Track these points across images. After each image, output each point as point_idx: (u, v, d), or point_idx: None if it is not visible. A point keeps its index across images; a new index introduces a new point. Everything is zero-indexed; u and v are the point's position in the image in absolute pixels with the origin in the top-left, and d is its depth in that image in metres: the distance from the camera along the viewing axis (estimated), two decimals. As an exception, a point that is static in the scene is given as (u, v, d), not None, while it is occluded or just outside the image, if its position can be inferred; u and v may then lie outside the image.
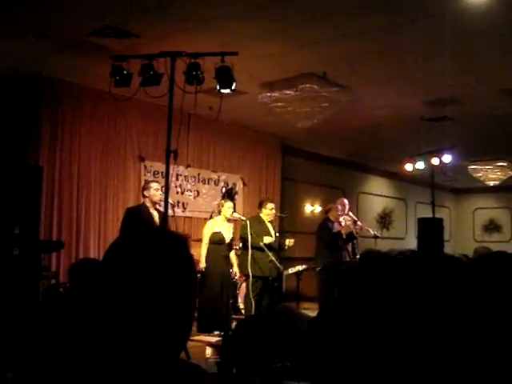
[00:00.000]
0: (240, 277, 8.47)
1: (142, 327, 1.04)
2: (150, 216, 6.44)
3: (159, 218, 6.32)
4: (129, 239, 1.13)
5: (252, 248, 7.49)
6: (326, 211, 9.04)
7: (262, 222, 7.92)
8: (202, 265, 7.43)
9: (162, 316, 1.05)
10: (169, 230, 1.18)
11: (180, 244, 1.13)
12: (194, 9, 5.46)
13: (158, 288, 1.05)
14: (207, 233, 7.66)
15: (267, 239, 7.61)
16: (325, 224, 8.61)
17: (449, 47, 6.17)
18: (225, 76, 5.58)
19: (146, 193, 6.53)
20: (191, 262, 1.14)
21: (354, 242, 8.67)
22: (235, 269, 8.16)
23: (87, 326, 2.20)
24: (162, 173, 8.96)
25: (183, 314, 1.08)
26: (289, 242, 7.93)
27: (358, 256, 8.06)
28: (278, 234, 8.13)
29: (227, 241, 7.69)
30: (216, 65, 5.52)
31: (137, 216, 6.36)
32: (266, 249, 7.47)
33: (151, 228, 1.18)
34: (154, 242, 1.10)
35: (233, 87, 5.70)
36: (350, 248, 8.52)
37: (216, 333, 7.24)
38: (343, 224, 8.52)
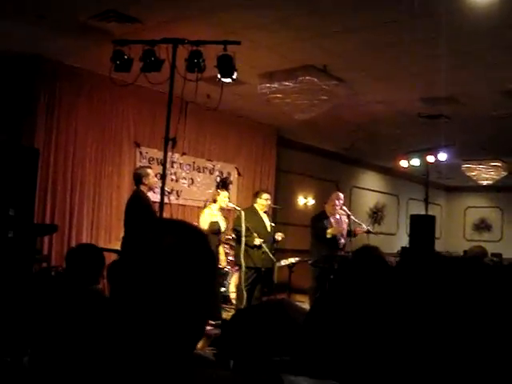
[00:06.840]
0: (232, 267, 8.46)
1: (160, 319, 1.03)
2: (151, 203, 6.44)
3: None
4: (149, 228, 1.11)
5: (245, 243, 7.49)
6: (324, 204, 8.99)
7: (256, 212, 7.90)
8: None
9: (182, 308, 1.04)
10: (188, 223, 1.17)
11: (202, 237, 1.12)
12: (198, -4, 5.43)
13: (180, 279, 1.04)
14: (206, 222, 7.59)
15: (257, 241, 7.54)
16: (316, 218, 8.57)
17: (449, 45, 6.17)
18: (226, 65, 5.54)
19: (144, 180, 6.47)
20: (213, 254, 1.14)
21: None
22: (221, 257, 8.21)
23: (93, 315, 2.20)
24: (157, 159, 8.94)
25: (202, 307, 1.07)
26: (278, 235, 7.91)
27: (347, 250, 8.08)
28: (273, 225, 8.10)
29: (222, 230, 7.67)
30: (218, 53, 5.49)
31: (146, 203, 6.31)
32: (258, 247, 7.50)
33: (172, 219, 1.16)
34: (178, 234, 1.10)
35: (234, 77, 5.67)
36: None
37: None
38: (338, 217, 8.47)
